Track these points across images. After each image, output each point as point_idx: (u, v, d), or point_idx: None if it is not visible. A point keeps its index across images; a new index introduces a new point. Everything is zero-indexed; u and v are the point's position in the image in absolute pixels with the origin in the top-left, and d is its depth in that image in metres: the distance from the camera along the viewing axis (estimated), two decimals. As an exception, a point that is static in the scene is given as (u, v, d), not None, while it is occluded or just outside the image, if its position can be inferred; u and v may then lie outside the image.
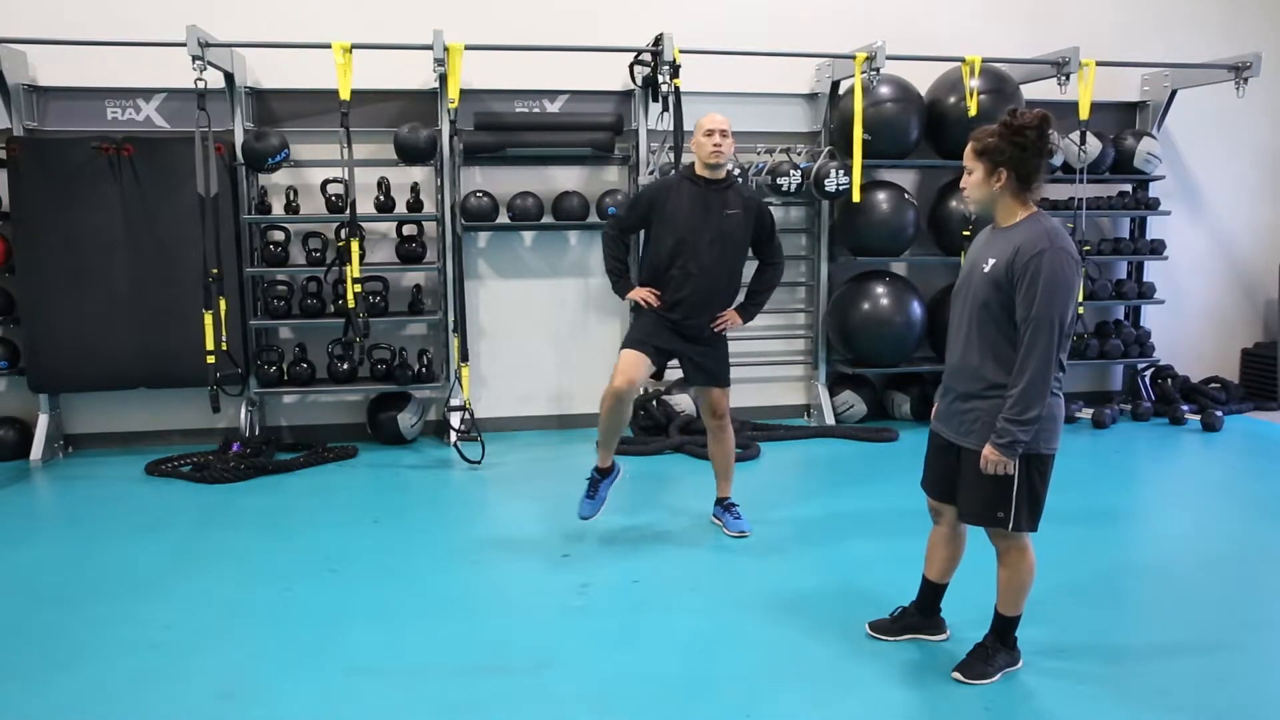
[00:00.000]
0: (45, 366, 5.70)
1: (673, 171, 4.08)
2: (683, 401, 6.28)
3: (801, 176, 6.06)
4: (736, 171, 5.97)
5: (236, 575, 3.84)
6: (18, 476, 5.45)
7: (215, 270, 5.32)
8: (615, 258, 4.21)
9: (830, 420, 6.52)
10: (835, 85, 6.38)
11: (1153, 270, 7.14)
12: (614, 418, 4.05)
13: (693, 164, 4.11)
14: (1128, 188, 7.05)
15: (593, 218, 6.22)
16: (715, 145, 3.96)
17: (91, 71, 5.73)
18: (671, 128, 5.76)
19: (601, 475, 4.19)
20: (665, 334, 4.10)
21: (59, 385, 5.83)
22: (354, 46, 5.31)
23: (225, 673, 3.02)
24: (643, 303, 4.11)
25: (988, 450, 2.71)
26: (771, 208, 6.54)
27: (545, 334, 6.50)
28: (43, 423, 5.77)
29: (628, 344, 4.09)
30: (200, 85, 5.11)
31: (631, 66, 6.08)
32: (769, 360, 6.81)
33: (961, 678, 2.91)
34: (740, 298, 4.31)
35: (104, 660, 3.11)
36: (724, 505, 4.38)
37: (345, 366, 5.98)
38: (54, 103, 5.79)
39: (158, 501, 4.93)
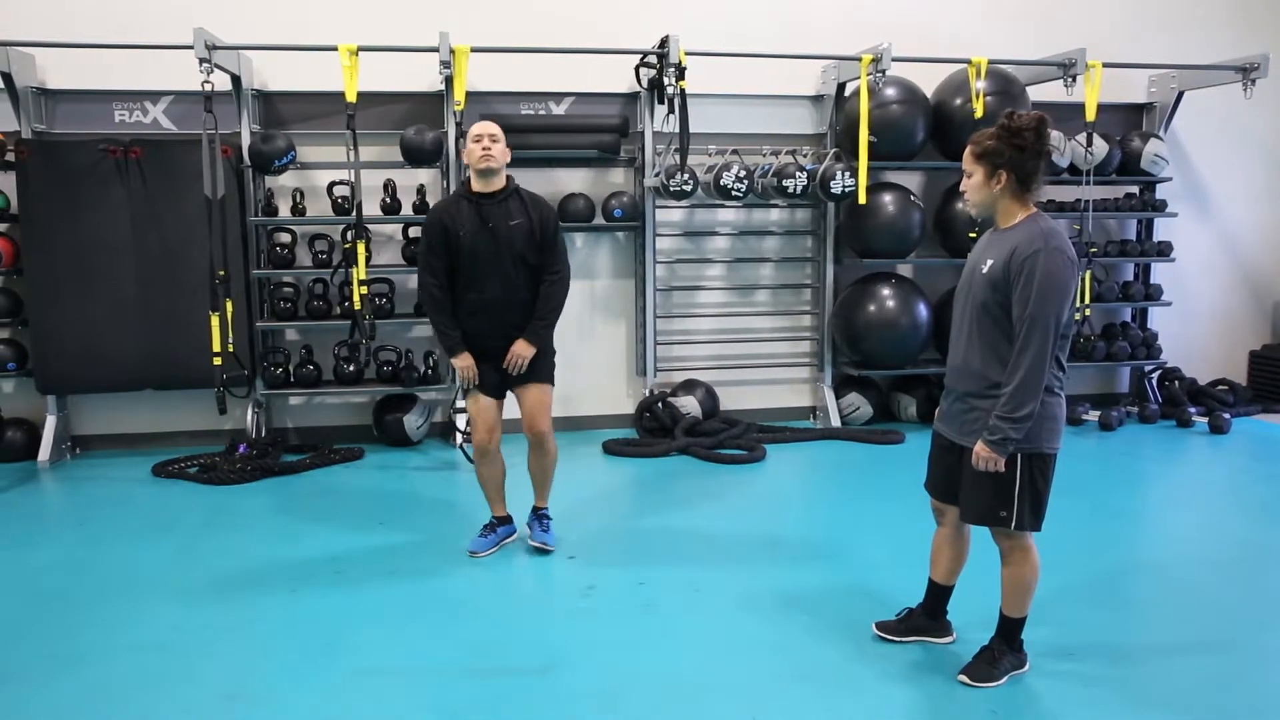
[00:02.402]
0: (53, 368, 5.72)
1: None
2: (688, 404, 6.28)
3: (807, 178, 6.06)
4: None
5: (242, 577, 3.85)
6: (26, 477, 5.47)
7: (222, 272, 5.33)
8: (438, 311, 3.92)
9: (836, 422, 6.51)
10: (841, 87, 6.38)
11: (1160, 272, 7.12)
12: (486, 471, 4.08)
13: (468, 180, 3.90)
14: (1134, 189, 7.03)
15: (598, 219, 6.23)
16: (484, 149, 3.77)
17: (99, 74, 5.75)
18: (677, 130, 5.76)
19: (500, 523, 4.16)
20: (489, 369, 3.95)
21: (66, 386, 5.85)
22: (360, 49, 5.32)
23: (232, 674, 3.03)
24: (463, 377, 3.96)
25: (979, 447, 2.72)
26: (777, 209, 6.69)
27: (551, 336, 6.49)
28: (50, 424, 5.79)
29: (469, 393, 3.99)
30: (207, 88, 5.12)
31: (637, 69, 6.08)
32: (774, 362, 6.81)
33: (967, 680, 2.90)
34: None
35: (110, 661, 3.12)
36: (535, 514, 4.22)
37: (351, 368, 5.99)
38: (62, 105, 5.82)
39: (164, 503, 4.94)
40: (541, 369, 4.03)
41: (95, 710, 2.81)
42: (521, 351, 3.90)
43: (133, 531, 4.45)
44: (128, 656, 3.14)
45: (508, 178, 3.92)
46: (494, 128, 3.86)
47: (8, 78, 5.46)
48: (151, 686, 2.94)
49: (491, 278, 3.85)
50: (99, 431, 6.08)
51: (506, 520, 4.19)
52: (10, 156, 5.57)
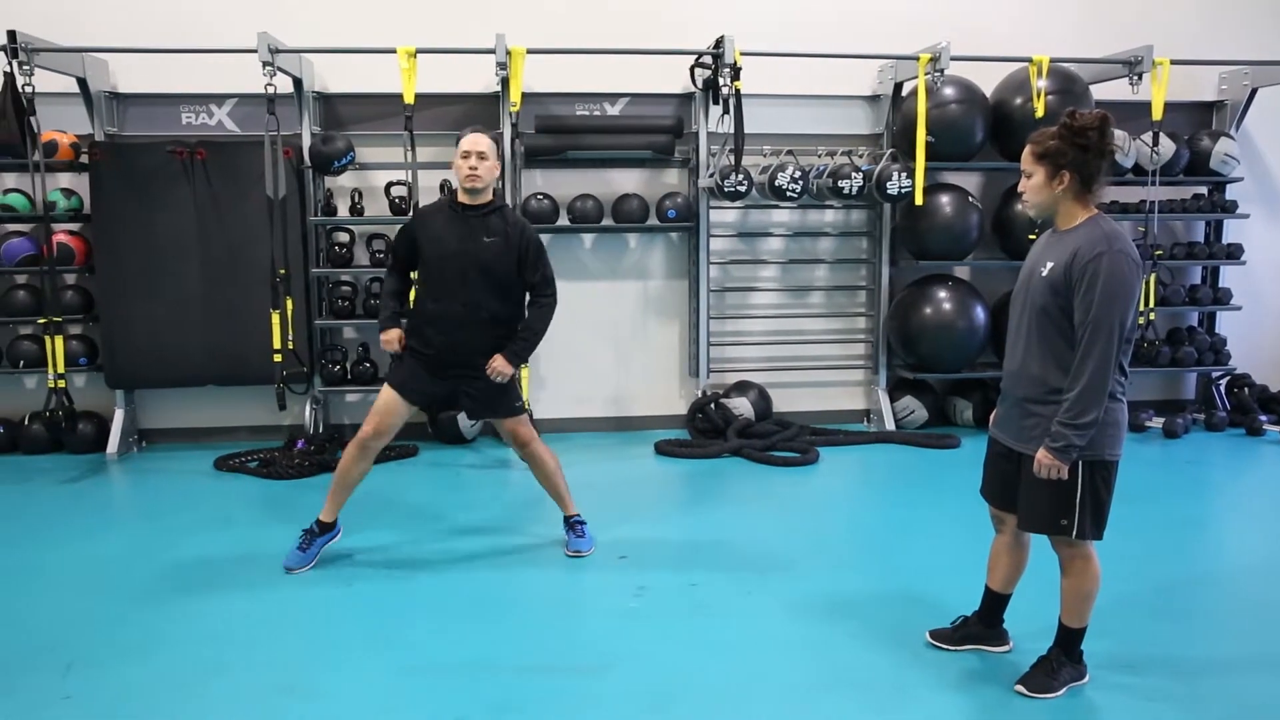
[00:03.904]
0: (122, 363, 5.89)
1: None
2: (741, 405, 6.25)
3: (863, 179, 6.00)
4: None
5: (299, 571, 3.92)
6: (95, 469, 5.64)
7: (283, 271, 5.45)
8: (386, 290, 4.01)
9: (890, 426, 6.43)
10: (898, 87, 6.30)
11: (1229, 275, 6.90)
12: (349, 466, 3.88)
13: (457, 189, 3.85)
14: (1203, 190, 6.83)
15: (652, 220, 6.23)
16: (471, 168, 3.71)
17: (168, 78, 5.91)
18: (732, 130, 5.74)
19: (321, 530, 3.95)
20: (428, 376, 3.86)
21: (134, 381, 6.02)
22: (418, 51, 5.40)
23: (287, 665, 3.09)
24: (388, 348, 3.90)
25: (1041, 454, 2.66)
26: (832, 210, 6.64)
27: (604, 336, 6.53)
28: (118, 417, 5.96)
29: (388, 382, 3.87)
30: (270, 90, 5.24)
31: (692, 69, 6.07)
32: (828, 365, 6.75)
33: (1024, 691, 2.84)
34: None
35: (173, 650, 3.20)
36: (568, 523, 4.16)
37: (407, 366, 6.06)
38: (133, 108, 5.99)
39: (226, 496, 5.06)
40: (506, 405, 3.97)
41: (160, 696, 2.89)
42: (500, 368, 3.82)
43: (195, 523, 4.56)
44: (189, 646, 3.22)
45: (495, 194, 3.88)
46: (484, 144, 3.76)
47: (83, 83, 5.64)
48: (212, 675, 3.01)
49: (453, 290, 3.79)
50: (164, 425, 6.25)
51: (330, 526, 3.98)
52: (84, 159, 5.76)
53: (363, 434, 3.86)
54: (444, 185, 6.00)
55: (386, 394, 3.88)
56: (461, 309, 3.80)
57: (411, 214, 4.01)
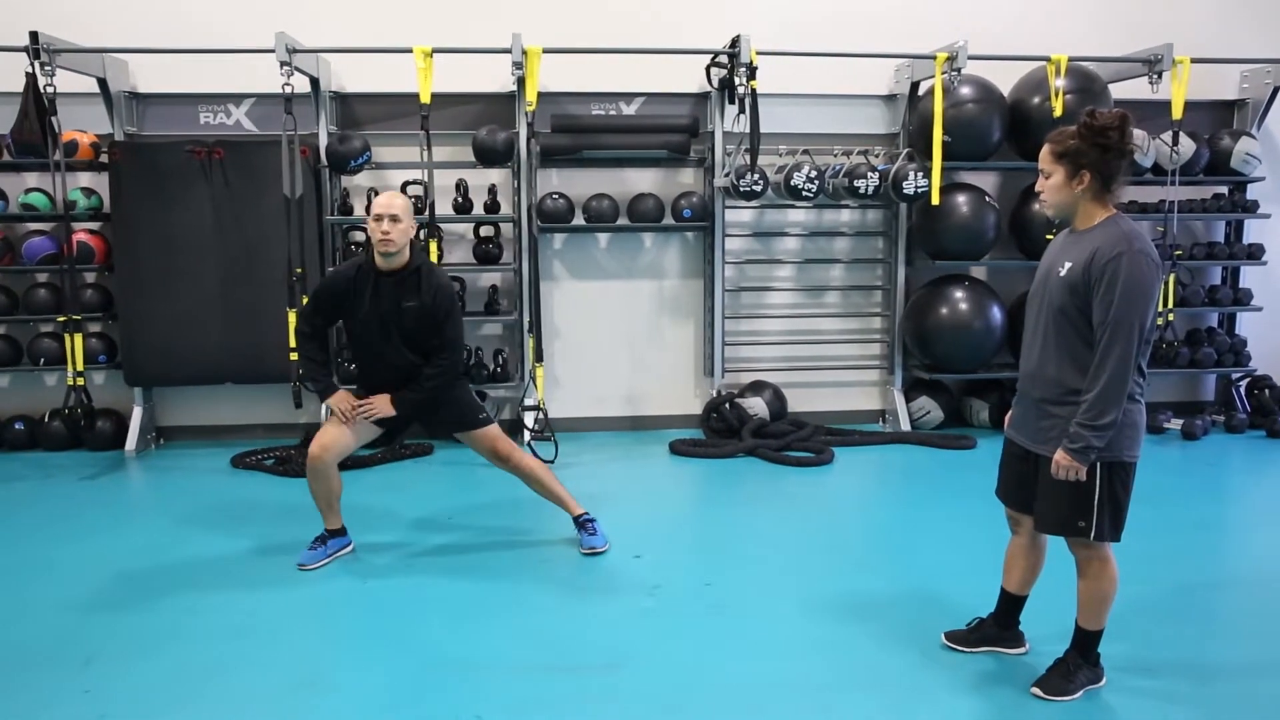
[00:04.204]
0: (140, 361, 5.94)
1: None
2: (756, 405, 6.24)
3: (879, 179, 5.98)
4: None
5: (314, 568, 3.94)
6: (114, 466, 5.69)
7: (299, 269, 5.48)
8: (309, 358, 3.93)
9: (906, 426, 6.41)
10: (915, 86, 6.28)
11: (1250, 275, 6.84)
12: (316, 486, 3.92)
13: (374, 249, 3.78)
14: (1223, 190, 6.77)
15: (668, 220, 6.23)
16: (384, 232, 3.65)
17: (186, 78, 5.96)
18: (748, 130, 5.73)
19: (331, 535, 4.03)
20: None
21: (153, 379, 6.07)
22: (435, 51, 5.42)
23: (303, 661, 3.11)
24: (338, 413, 3.87)
25: (1059, 455, 2.64)
26: (848, 210, 6.62)
27: (619, 335, 6.54)
28: (137, 415, 6.01)
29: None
30: (287, 90, 5.27)
31: (708, 69, 6.07)
32: (844, 365, 6.73)
33: (1041, 693, 2.83)
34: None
35: (189, 645, 3.22)
36: (578, 523, 4.15)
37: (422, 365, 6.09)
38: (152, 108, 6.04)
39: (242, 494, 5.10)
40: (465, 419, 4.00)
41: (177, 691, 2.91)
42: (381, 408, 3.86)
43: (212, 520, 4.60)
44: (205, 642, 3.25)
45: (413, 252, 3.83)
46: (397, 205, 3.69)
47: (103, 83, 5.69)
48: (228, 671, 3.03)
49: (381, 353, 3.85)
50: (182, 423, 6.30)
51: (339, 533, 4.05)
52: (104, 158, 5.81)
53: (309, 454, 3.88)
54: (459, 184, 6.02)
55: (332, 419, 3.93)
56: (391, 368, 3.88)
57: (320, 285, 3.98)
